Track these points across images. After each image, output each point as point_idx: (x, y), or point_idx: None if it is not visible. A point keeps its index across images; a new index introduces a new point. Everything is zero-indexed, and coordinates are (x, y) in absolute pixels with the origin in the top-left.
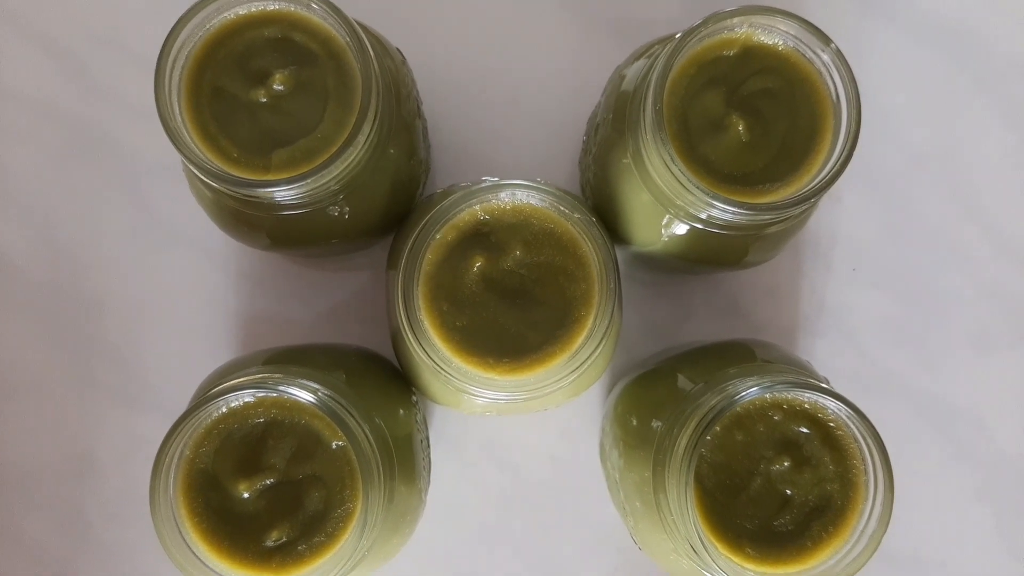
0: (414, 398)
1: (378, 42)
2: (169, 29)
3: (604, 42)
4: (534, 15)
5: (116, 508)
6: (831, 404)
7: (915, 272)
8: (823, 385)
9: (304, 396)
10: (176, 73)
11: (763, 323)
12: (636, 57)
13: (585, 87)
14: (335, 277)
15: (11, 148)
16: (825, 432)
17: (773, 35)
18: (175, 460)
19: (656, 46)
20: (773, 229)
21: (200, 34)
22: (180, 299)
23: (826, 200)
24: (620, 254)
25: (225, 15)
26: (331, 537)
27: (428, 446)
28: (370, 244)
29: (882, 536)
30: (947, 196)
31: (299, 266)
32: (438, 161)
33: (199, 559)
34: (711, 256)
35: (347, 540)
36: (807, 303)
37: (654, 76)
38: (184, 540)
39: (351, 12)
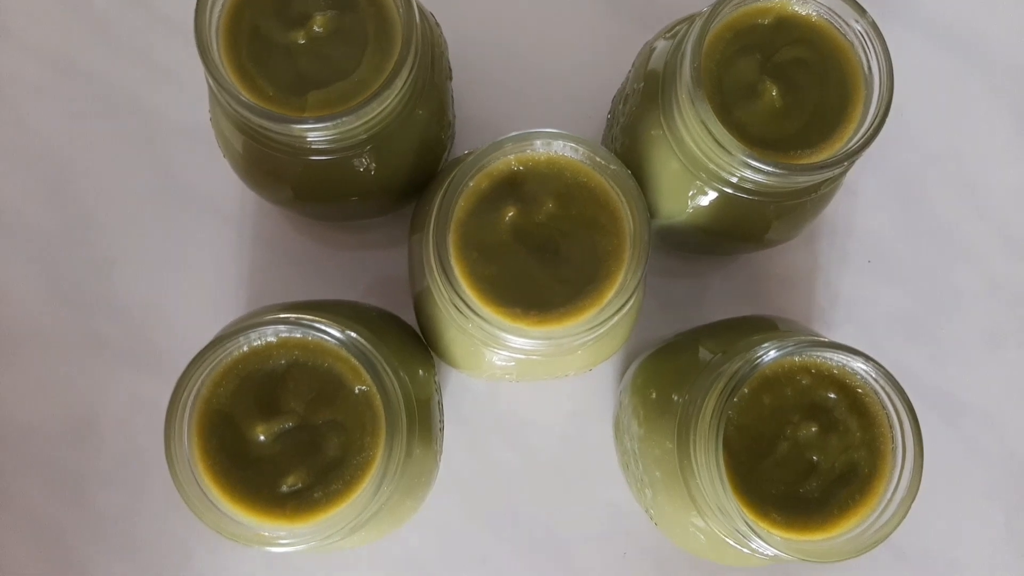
0: (433, 366)
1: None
2: None
3: (631, 23)
4: None
5: (114, 473)
6: (860, 366)
7: (928, 267)
8: (851, 346)
9: (332, 334)
10: (216, 11)
11: (778, 312)
12: (666, 31)
13: (609, 65)
14: (353, 245)
15: (28, 102)
16: (852, 398)
17: (807, 6)
18: (191, 398)
19: (683, 23)
20: (797, 200)
21: None
22: (193, 261)
23: (842, 191)
24: None
25: None
26: (348, 485)
27: (442, 411)
28: (391, 208)
29: (911, 504)
30: (959, 194)
31: (317, 234)
32: (460, 133)
33: (211, 501)
34: (734, 229)
35: (365, 489)
36: (822, 294)
37: (692, 36)
38: (196, 481)
39: None
